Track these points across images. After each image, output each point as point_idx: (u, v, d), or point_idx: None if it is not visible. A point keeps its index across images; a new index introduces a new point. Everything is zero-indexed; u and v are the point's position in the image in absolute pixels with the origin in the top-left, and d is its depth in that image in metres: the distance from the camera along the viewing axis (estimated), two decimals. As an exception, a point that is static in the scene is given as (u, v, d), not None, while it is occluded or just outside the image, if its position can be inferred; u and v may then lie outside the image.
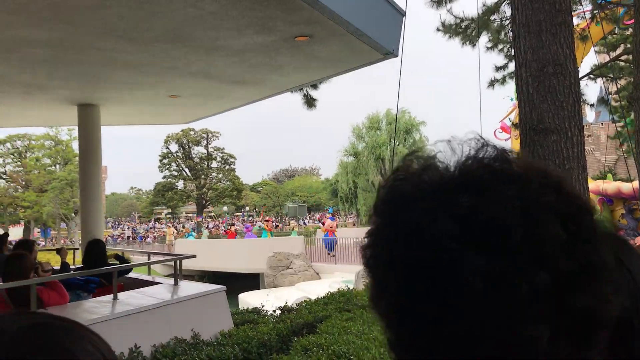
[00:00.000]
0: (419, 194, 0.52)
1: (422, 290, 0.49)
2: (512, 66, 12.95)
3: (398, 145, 38.83)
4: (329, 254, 21.85)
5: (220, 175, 66.45)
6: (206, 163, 65.99)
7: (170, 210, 76.76)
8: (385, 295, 0.53)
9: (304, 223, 52.62)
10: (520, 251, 0.48)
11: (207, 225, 53.33)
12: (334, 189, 49.96)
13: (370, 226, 0.56)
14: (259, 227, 28.62)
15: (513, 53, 4.53)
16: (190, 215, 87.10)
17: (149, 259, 8.63)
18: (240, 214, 72.91)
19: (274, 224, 41.20)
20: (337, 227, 26.86)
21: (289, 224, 42.60)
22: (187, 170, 65.85)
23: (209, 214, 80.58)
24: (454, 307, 0.48)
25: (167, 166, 65.34)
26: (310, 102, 11.57)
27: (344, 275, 18.36)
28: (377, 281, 0.55)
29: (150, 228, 62.03)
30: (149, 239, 46.69)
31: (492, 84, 13.34)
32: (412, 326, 0.51)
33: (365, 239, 0.56)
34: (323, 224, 26.92)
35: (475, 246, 0.48)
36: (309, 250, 22.66)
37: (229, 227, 33.14)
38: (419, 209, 0.51)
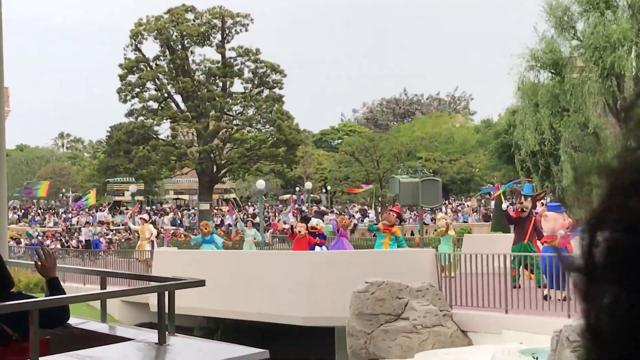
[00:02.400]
0: None
1: None
2: None
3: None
4: (545, 297, 20.41)
5: (252, 112, 67.42)
6: (221, 84, 67.07)
7: (142, 186, 79.09)
8: None
9: (430, 219, 52.62)
10: None
11: (232, 218, 54.52)
12: (506, 145, 49.50)
13: None
14: (377, 228, 28.65)
15: None
16: (185, 197, 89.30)
17: (103, 287, 8.82)
18: (295, 196, 73.77)
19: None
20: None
21: (436, 217, 41.21)
22: (179, 98, 67.25)
23: (224, 196, 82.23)
24: None
25: (137, 90, 66.88)
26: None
27: (524, 336, 18.32)
28: None
29: (99, 222, 64.25)
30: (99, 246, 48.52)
31: None
32: None
33: None
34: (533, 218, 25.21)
35: None
36: (446, 283, 22.61)
37: (298, 218, 34.06)
38: None
